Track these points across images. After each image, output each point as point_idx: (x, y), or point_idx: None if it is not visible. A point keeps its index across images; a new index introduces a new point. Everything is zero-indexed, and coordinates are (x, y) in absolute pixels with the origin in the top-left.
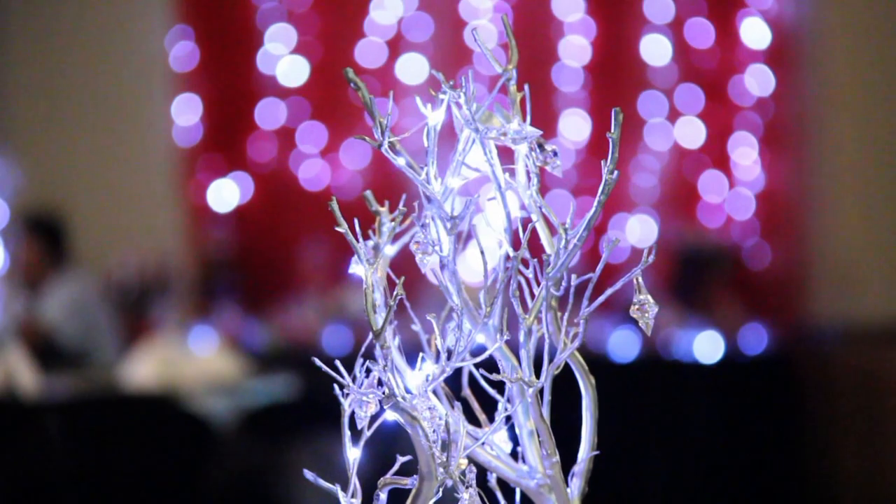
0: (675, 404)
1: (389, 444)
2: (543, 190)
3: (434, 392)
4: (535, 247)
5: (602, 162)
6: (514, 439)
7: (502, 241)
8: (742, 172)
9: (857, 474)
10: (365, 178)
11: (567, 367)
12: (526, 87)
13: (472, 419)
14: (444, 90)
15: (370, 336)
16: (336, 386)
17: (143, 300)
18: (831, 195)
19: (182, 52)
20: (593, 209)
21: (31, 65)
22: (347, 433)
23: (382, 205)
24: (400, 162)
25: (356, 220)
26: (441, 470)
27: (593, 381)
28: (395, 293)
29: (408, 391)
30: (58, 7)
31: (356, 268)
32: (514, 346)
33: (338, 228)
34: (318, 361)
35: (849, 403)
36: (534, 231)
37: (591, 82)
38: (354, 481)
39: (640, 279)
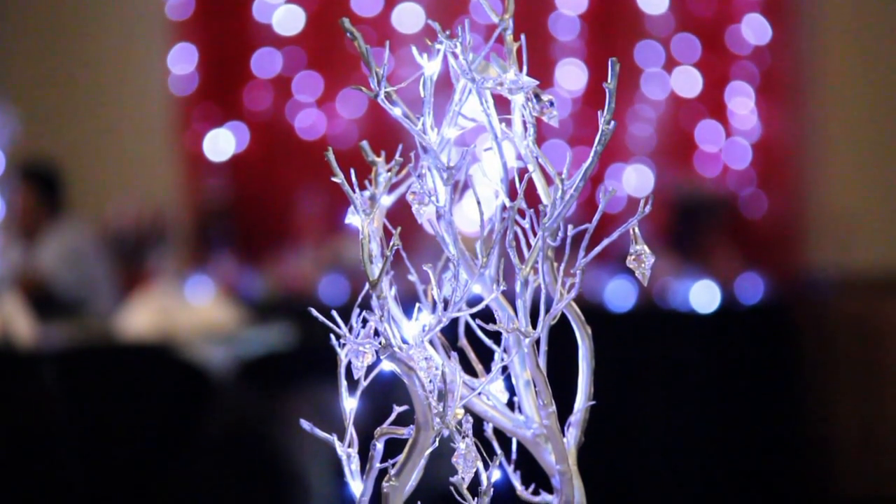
0: (672, 354)
1: (386, 394)
2: (540, 140)
3: (430, 342)
4: (532, 197)
5: (599, 112)
6: (511, 389)
7: (499, 191)
8: (739, 122)
9: (854, 422)
10: (361, 127)
11: (563, 317)
12: (522, 36)
13: (469, 369)
14: (440, 40)
15: (367, 286)
16: (333, 336)
17: (139, 249)
18: (828, 144)
19: (178, 0)
20: (590, 159)
21: (27, 14)
22: (344, 383)
23: (379, 155)
24: (396, 112)
25: (352, 171)
26: (437, 420)
27: (590, 331)
28: (391, 243)
29: (404, 341)
30: None
31: (352, 218)
32: (510, 297)
33: (334, 179)
34: (314, 311)
35: (845, 352)
36: (530, 181)
37: (587, 32)
38: (351, 431)
39: (637, 229)
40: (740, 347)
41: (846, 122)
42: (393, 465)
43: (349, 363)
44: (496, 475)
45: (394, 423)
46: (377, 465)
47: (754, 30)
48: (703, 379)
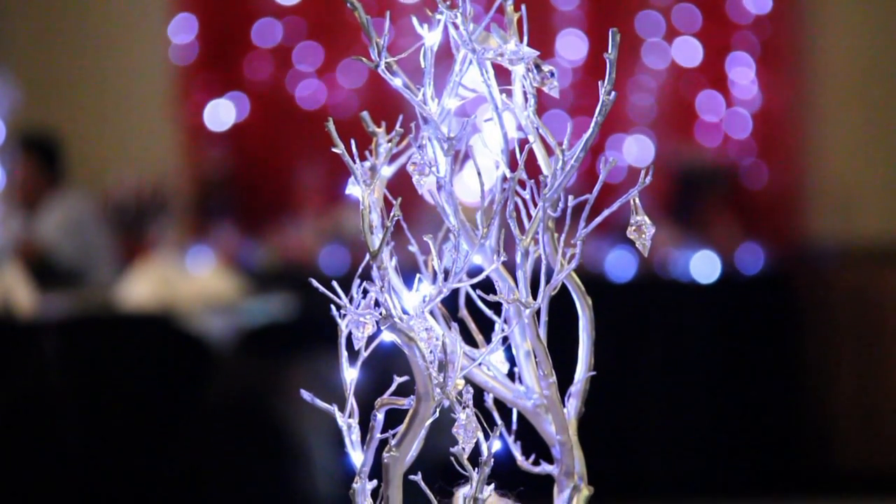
0: (672, 324)
1: (386, 365)
2: (540, 110)
3: (431, 313)
4: (532, 168)
5: (599, 82)
6: (511, 360)
7: (499, 161)
8: (739, 91)
9: (854, 392)
10: (361, 98)
11: (564, 287)
12: (523, 6)
13: (469, 340)
14: (440, 10)
15: (367, 257)
16: (333, 306)
17: (139, 219)
18: (828, 114)
19: None
20: (590, 130)
21: None
22: (344, 353)
23: (379, 125)
24: (397, 83)
25: (353, 141)
26: (438, 390)
27: (590, 301)
28: (391, 214)
29: (405, 312)
30: None
31: (353, 188)
32: (510, 267)
33: (334, 149)
34: (315, 282)
35: (845, 322)
36: (531, 152)
37: (587, 2)
38: (351, 401)
39: (638, 200)
40: (740, 318)
41: (846, 93)
42: (393, 435)
43: (349, 334)
44: (496, 445)
45: (394, 393)
46: (378, 435)
47: None
48: (703, 349)
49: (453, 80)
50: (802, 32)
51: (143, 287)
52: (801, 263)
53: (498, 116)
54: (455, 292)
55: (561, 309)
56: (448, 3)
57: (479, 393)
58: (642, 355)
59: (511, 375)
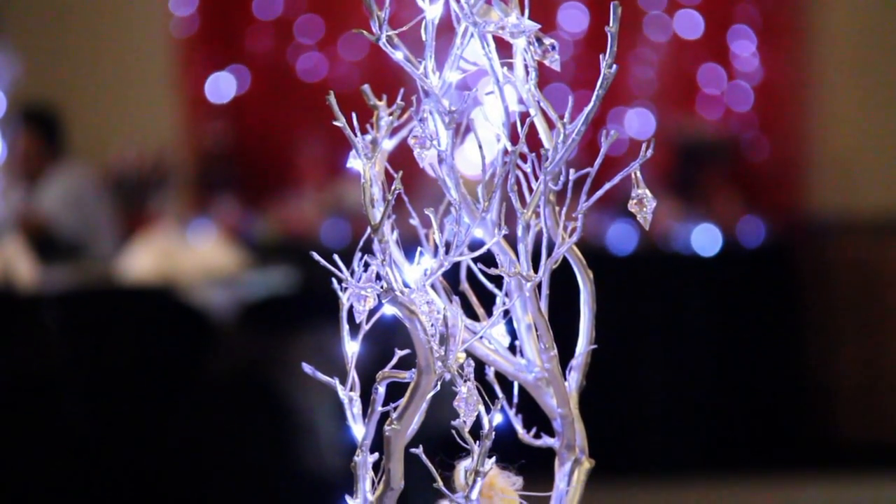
0: (673, 297)
1: (388, 338)
2: (541, 83)
3: (432, 286)
4: (534, 141)
5: (601, 55)
6: (513, 333)
7: (500, 135)
8: (741, 64)
9: (855, 365)
10: (362, 71)
11: (565, 261)
12: None
13: (470, 313)
14: None
15: (368, 230)
16: (334, 280)
17: (140, 192)
18: (829, 87)
19: None
20: (592, 103)
21: None
22: (346, 327)
23: (380, 99)
24: (398, 56)
25: (354, 114)
26: (439, 364)
27: (591, 274)
28: (392, 187)
29: (406, 285)
30: None
31: (354, 162)
32: (512, 241)
33: (335, 122)
34: (316, 255)
35: (846, 295)
36: (532, 125)
37: None
38: (353, 374)
39: (639, 173)
40: (741, 291)
41: (848, 65)
42: (395, 408)
43: (351, 307)
44: (498, 419)
45: (395, 366)
46: (379, 408)
47: None
48: (704, 322)
49: (454, 54)
50: (804, 5)
51: (144, 260)
52: (802, 236)
53: (499, 90)
54: (456, 266)
55: (562, 282)
56: None
57: (480, 366)
58: (643, 328)
59: (512, 349)
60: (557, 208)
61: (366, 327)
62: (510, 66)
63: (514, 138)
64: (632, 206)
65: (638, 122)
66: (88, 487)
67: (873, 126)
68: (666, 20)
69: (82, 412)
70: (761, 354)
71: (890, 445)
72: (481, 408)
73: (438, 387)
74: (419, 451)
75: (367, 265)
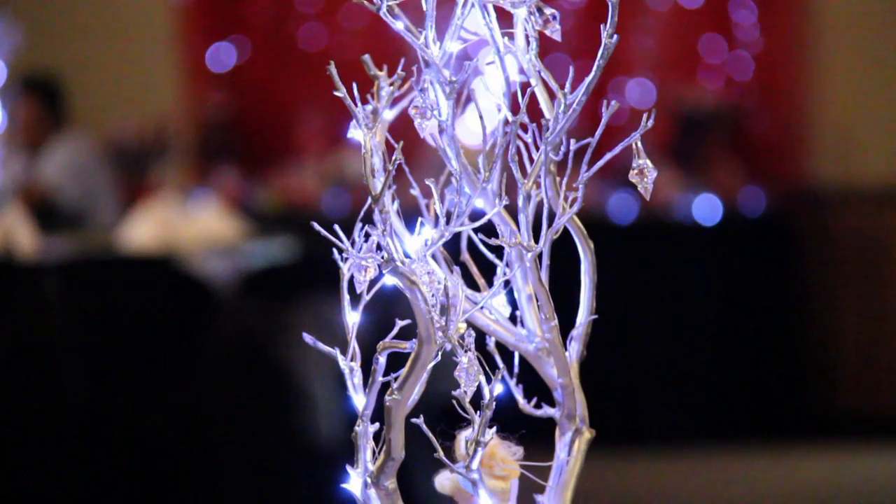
0: (674, 267)
1: (388, 309)
2: (542, 54)
3: (433, 256)
4: (534, 111)
5: (601, 26)
6: (513, 303)
7: (501, 105)
8: (742, 33)
9: (856, 335)
10: (363, 41)
11: (566, 231)
12: None
13: (471, 283)
14: None
15: (369, 200)
16: (335, 250)
17: (141, 162)
18: (830, 56)
19: None
20: (592, 73)
21: None
22: (346, 297)
23: (381, 69)
24: (398, 26)
25: (355, 84)
26: (440, 334)
27: (592, 245)
28: (393, 157)
29: (406, 255)
30: None
31: (355, 132)
32: (512, 211)
33: (336, 92)
34: (316, 225)
35: (847, 264)
36: (533, 95)
37: None
38: (353, 345)
39: (640, 143)
40: (742, 260)
41: (849, 35)
42: (395, 378)
43: (351, 277)
44: (498, 389)
45: (396, 337)
46: (379, 378)
47: None
48: (704, 291)
49: (455, 24)
50: None
51: (145, 229)
52: (802, 206)
53: (500, 60)
54: (457, 236)
55: (563, 252)
56: None
57: (480, 336)
58: (644, 298)
59: (513, 319)
60: (558, 178)
61: (366, 297)
62: (511, 36)
63: (514, 108)
64: (633, 177)
65: (639, 92)
66: (88, 457)
67: (874, 95)
68: None
69: (82, 381)
70: (761, 324)
71: (889, 415)
72: (482, 378)
73: (439, 357)
74: (420, 421)
75: (367, 235)
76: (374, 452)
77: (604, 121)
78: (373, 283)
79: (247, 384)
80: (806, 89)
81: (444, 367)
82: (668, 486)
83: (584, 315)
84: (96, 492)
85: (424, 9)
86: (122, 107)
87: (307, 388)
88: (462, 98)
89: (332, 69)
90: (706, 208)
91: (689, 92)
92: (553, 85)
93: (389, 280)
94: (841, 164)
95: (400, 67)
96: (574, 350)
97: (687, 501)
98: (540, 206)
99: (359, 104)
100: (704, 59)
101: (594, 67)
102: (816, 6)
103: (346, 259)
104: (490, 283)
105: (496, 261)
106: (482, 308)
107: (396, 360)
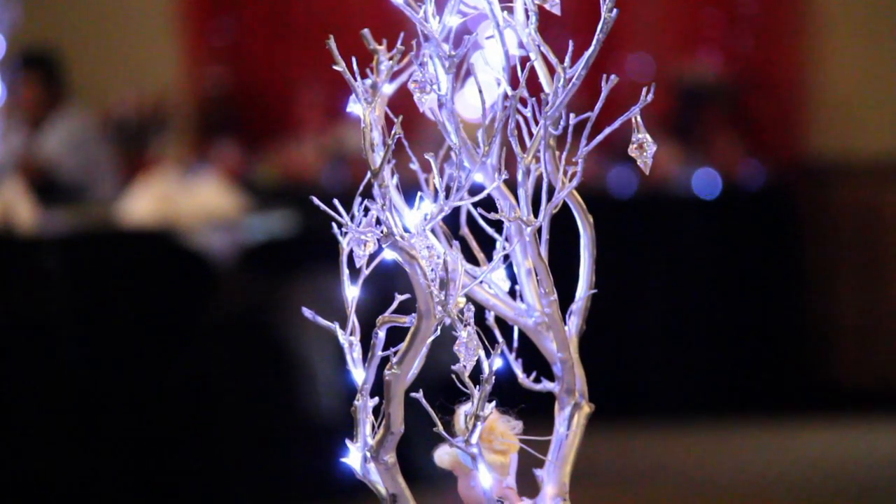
0: (673, 241)
1: (388, 283)
2: (541, 28)
3: (432, 231)
4: (534, 85)
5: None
6: (512, 278)
7: (500, 79)
8: (741, 7)
9: (854, 308)
10: (363, 15)
11: (565, 205)
12: None
13: (471, 258)
14: None
15: (368, 175)
16: (335, 224)
17: (141, 136)
18: (830, 30)
19: None
20: (592, 48)
21: None
22: (346, 271)
23: (380, 43)
24: (398, 0)
25: (354, 58)
26: (439, 308)
27: (591, 219)
28: (392, 132)
29: (406, 230)
30: None
31: (354, 106)
32: (512, 185)
33: (336, 67)
34: (316, 200)
35: (846, 238)
36: (532, 70)
37: None
38: (353, 319)
39: (639, 117)
40: (741, 234)
41: (848, 8)
42: (395, 353)
43: (351, 251)
44: (498, 363)
45: (396, 311)
46: (379, 353)
47: None
48: (704, 265)
49: None
50: None
51: (145, 203)
52: (802, 179)
53: (499, 34)
54: (456, 210)
55: (562, 227)
56: None
57: (480, 311)
58: (643, 272)
59: (512, 293)
60: (557, 153)
61: (366, 272)
62: (510, 10)
63: (514, 83)
64: (632, 151)
65: (638, 67)
66: (88, 431)
67: (874, 69)
68: None
69: (82, 355)
70: (761, 297)
71: (889, 388)
72: (481, 352)
73: (438, 331)
74: (419, 395)
75: (367, 210)
76: (373, 427)
77: (603, 95)
78: (372, 257)
79: (246, 358)
80: (805, 63)
81: (443, 342)
82: (667, 460)
83: (583, 289)
84: (97, 464)
85: None
86: (122, 81)
87: (307, 362)
88: (461, 72)
89: (332, 43)
90: (705, 182)
91: (689, 66)
92: (552, 59)
93: (389, 254)
94: (840, 138)
95: (399, 41)
96: (573, 324)
97: (686, 475)
98: (539, 180)
99: (358, 78)
100: (704, 33)
101: (594, 42)
102: None
103: (346, 233)
104: (489, 258)
105: (495, 235)
106: (481, 282)
107: (396, 335)
